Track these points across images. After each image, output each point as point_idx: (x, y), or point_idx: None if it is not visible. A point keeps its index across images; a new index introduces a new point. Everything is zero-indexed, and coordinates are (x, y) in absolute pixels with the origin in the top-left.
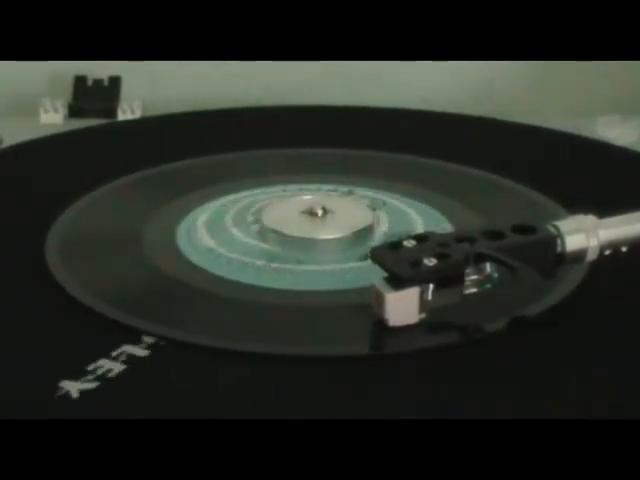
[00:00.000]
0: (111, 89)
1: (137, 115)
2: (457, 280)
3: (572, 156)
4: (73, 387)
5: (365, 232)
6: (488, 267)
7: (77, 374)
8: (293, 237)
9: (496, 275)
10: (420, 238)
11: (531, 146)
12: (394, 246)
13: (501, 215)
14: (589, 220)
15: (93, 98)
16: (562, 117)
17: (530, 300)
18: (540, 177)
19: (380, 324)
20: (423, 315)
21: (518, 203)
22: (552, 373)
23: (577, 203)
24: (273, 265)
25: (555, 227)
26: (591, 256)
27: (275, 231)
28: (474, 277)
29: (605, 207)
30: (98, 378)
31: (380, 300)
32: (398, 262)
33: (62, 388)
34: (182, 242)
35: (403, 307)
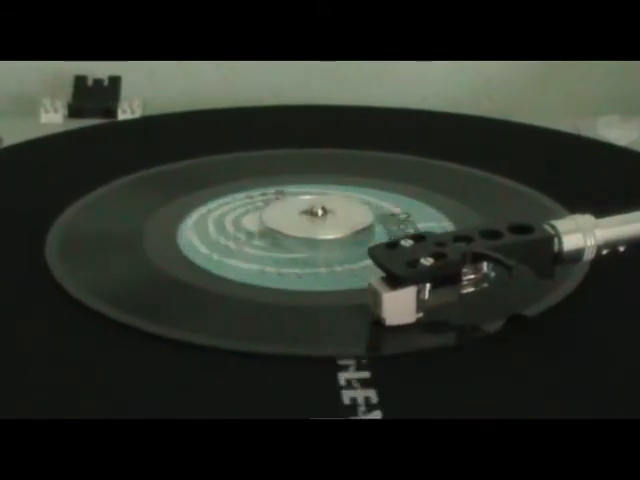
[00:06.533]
0: (111, 89)
1: (137, 115)
2: (454, 279)
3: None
4: None
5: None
6: (485, 266)
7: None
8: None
9: (493, 274)
10: (417, 238)
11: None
12: (391, 245)
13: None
14: (586, 220)
15: (93, 98)
16: (562, 117)
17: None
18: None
19: (378, 324)
20: (420, 314)
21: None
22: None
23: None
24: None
25: (552, 226)
26: (588, 256)
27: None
28: (471, 276)
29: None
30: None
31: (377, 299)
32: (395, 261)
33: None
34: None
35: (400, 306)
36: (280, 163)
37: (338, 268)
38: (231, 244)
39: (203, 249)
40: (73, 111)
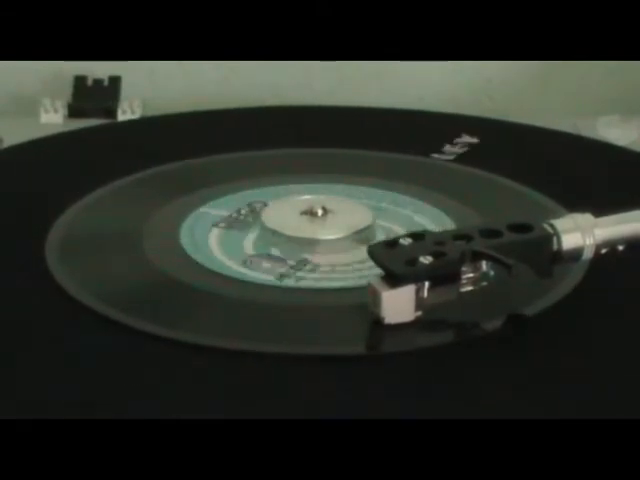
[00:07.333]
0: (111, 89)
1: (137, 115)
2: (453, 278)
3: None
4: None
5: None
6: (484, 265)
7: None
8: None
9: (492, 273)
10: (417, 236)
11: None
12: (391, 244)
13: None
14: (585, 219)
15: (93, 98)
16: (562, 117)
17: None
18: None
19: (377, 323)
20: (419, 313)
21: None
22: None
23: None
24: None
25: (551, 225)
26: (587, 255)
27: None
28: (470, 275)
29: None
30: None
31: (376, 298)
32: (394, 260)
33: None
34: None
35: (399, 305)
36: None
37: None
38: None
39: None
40: (73, 111)
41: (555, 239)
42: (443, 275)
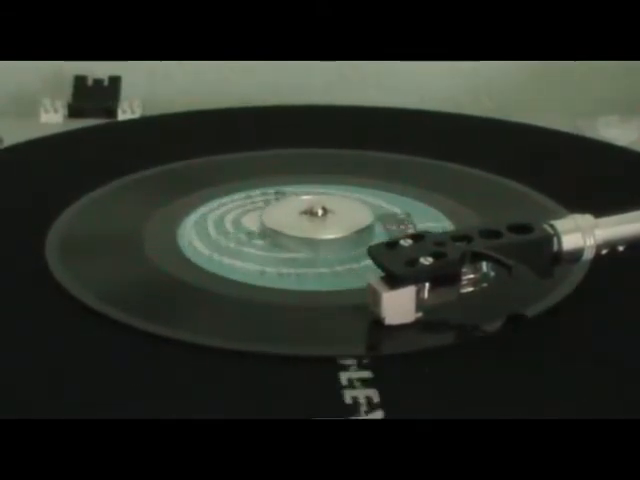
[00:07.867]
0: (111, 89)
1: (137, 115)
2: (453, 279)
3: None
4: None
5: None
6: (484, 266)
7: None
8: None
9: (492, 274)
10: (417, 237)
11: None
12: (391, 245)
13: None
14: (586, 219)
15: (93, 98)
16: (562, 117)
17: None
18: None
19: (377, 323)
20: (420, 314)
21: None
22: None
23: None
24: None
25: (551, 226)
26: (587, 255)
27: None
28: (470, 276)
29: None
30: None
31: (376, 299)
32: (394, 261)
33: None
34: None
35: (399, 306)
36: (280, 163)
37: (338, 268)
38: (231, 244)
39: (203, 249)
40: (73, 111)
41: (555, 240)
42: (443, 276)
